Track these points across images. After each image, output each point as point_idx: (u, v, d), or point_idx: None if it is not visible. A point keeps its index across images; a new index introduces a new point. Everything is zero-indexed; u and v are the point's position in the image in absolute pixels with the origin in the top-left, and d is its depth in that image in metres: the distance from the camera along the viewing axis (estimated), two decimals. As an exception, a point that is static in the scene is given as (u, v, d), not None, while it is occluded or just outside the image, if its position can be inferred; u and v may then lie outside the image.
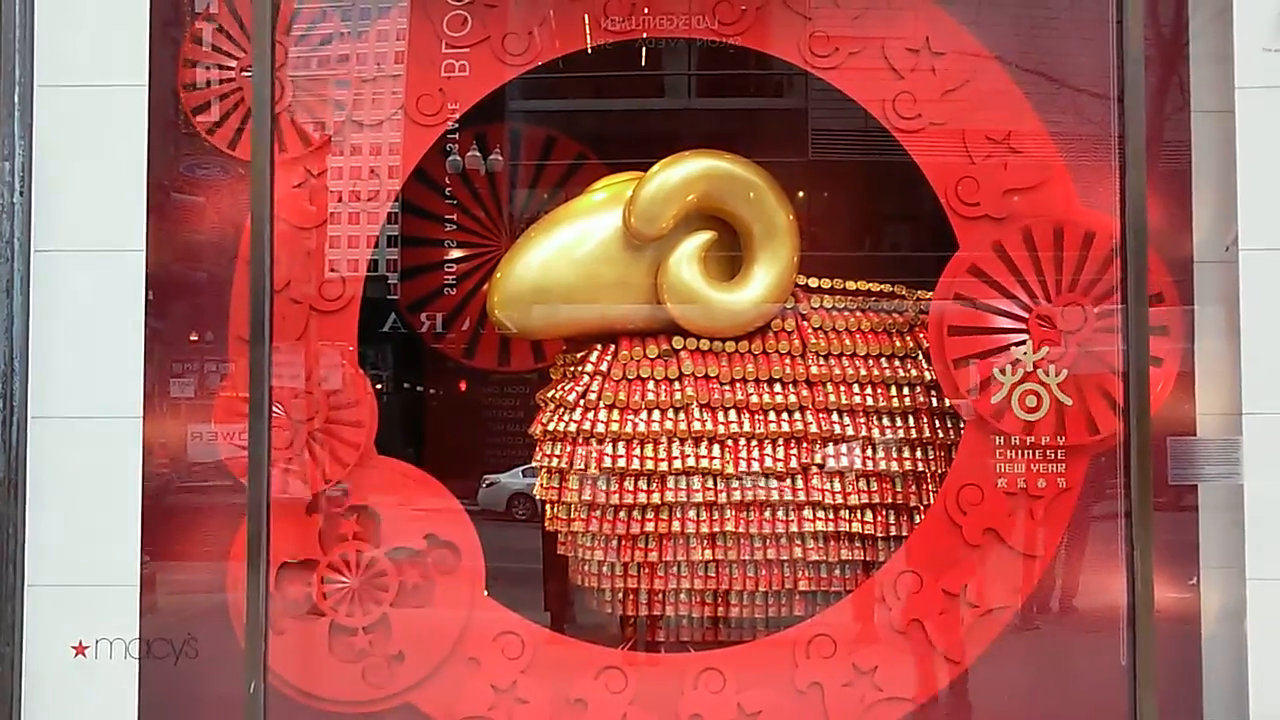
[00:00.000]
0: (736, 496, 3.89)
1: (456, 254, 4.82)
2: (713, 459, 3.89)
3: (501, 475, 4.83)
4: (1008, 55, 3.91)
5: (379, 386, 5.01)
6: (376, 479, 3.88)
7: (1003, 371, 3.83)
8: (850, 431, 3.95)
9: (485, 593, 3.91)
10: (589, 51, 4.20)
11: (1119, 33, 3.70)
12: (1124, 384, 3.69)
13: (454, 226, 4.86)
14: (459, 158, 4.79)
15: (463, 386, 5.09)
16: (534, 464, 4.04)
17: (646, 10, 3.99)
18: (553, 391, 4.03)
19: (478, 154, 4.85)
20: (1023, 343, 3.85)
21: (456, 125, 4.58)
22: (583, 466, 3.88)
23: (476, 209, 4.89)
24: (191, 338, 3.84)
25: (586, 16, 3.99)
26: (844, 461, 3.94)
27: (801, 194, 4.01)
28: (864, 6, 3.94)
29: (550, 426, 3.94)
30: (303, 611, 3.83)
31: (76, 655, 3.56)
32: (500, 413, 4.97)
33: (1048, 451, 3.82)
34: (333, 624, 3.83)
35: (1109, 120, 3.81)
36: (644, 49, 4.40)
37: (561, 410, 3.95)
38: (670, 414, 3.91)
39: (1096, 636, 3.79)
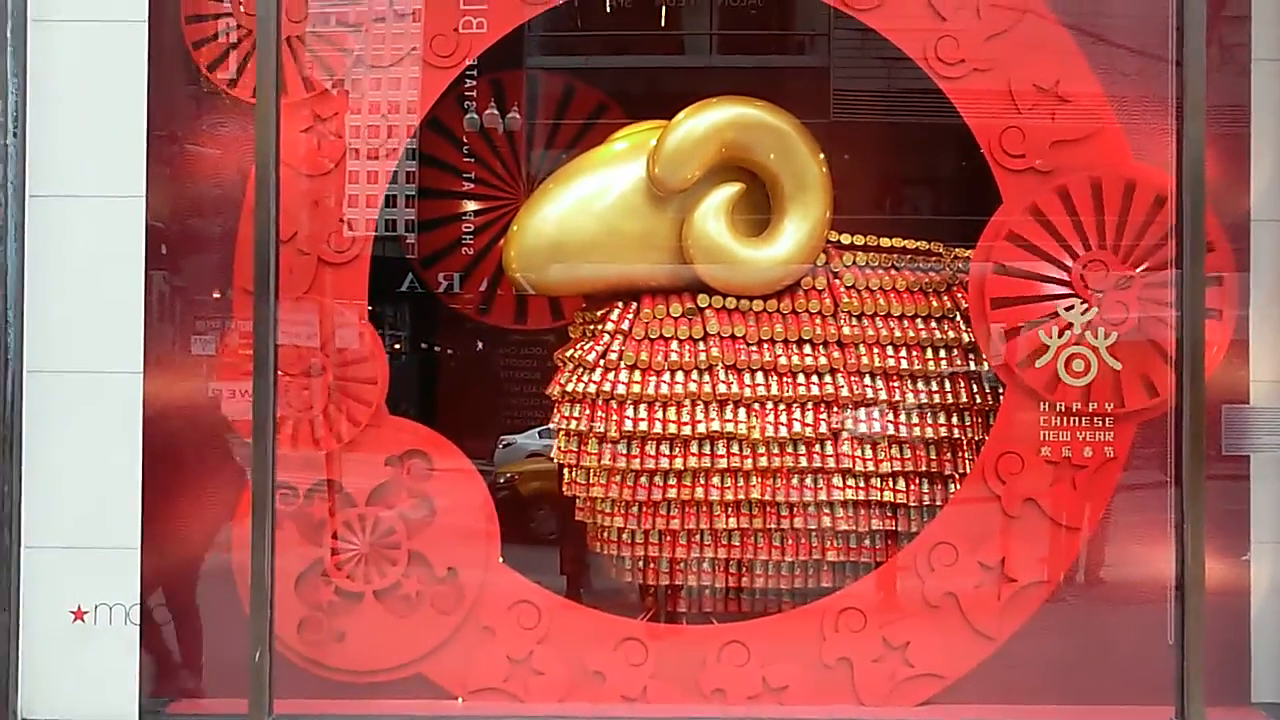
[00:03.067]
0: (763, 463, 3.75)
1: (473, 207, 4.66)
2: (738, 423, 3.74)
3: (518, 436, 4.71)
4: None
5: (396, 346, 4.92)
6: (388, 439, 3.75)
7: (1049, 334, 3.66)
8: (883, 395, 3.81)
9: (500, 559, 3.77)
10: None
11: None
12: (1177, 348, 3.53)
13: (470, 180, 4.72)
14: (476, 115, 4.64)
15: (479, 345, 4.96)
16: (551, 426, 3.88)
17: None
18: (571, 351, 3.88)
19: (495, 111, 4.68)
20: (1070, 304, 3.67)
21: (474, 75, 4.42)
22: (602, 430, 3.73)
23: (494, 161, 4.75)
24: (214, 295, 3.74)
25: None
26: (876, 427, 3.79)
27: (823, 155, 3.80)
28: (905, -55, 3.74)
29: (569, 387, 3.79)
30: (311, 576, 3.69)
31: (75, 620, 3.46)
32: (517, 372, 4.90)
33: (1094, 419, 3.67)
34: (340, 589, 3.70)
35: (1164, 68, 3.61)
36: (663, 6, 4.24)
37: (580, 370, 3.80)
38: (694, 375, 3.77)
39: (1140, 612, 3.67)
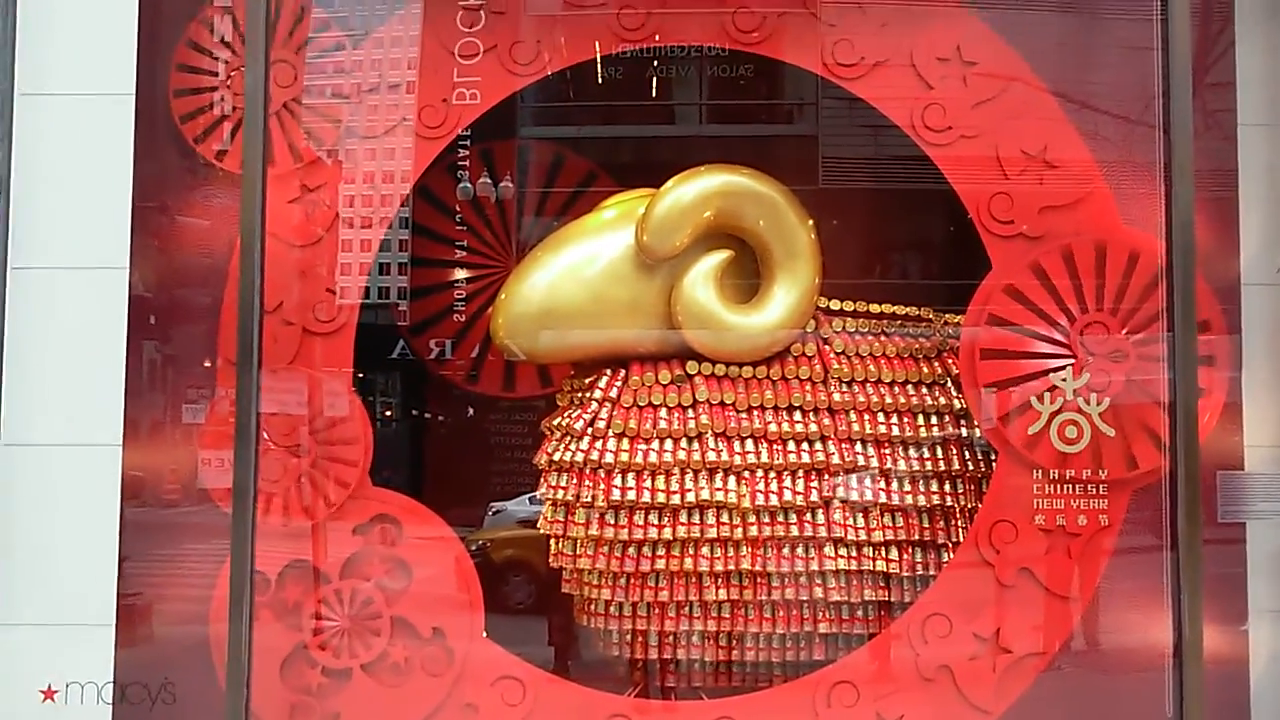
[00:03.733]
0: (753, 532, 3.69)
1: (461, 275, 4.65)
2: (728, 492, 3.69)
3: (508, 503, 4.65)
4: (1043, 66, 3.74)
5: (388, 413, 4.89)
6: (369, 510, 3.69)
7: (1040, 400, 3.63)
8: (874, 463, 3.76)
9: (484, 634, 3.69)
10: (599, 68, 4.06)
11: (1163, 59, 3.53)
12: (1170, 414, 3.50)
13: (461, 248, 4.72)
14: (470, 185, 4.65)
15: (467, 412, 4.92)
16: (538, 494, 3.83)
17: (661, 18, 3.82)
18: (559, 419, 3.84)
19: (488, 180, 4.70)
20: (1061, 369, 3.64)
21: (467, 146, 4.45)
22: (590, 499, 3.68)
23: (483, 228, 4.75)
24: (204, 365, 3.69)
25: (596, 31, 3.86)
26: (868, 495, 3.74)
27: (812, 222, 3.81)
28: (890, 13, 3.78)
29: (556, 456, 3.75)
30: (289, 651, 3.61)
31: (45, 700, 3.38)
32: (507, 439, 4.85)
33: (1088, 486, 3.62)
34: (328, 669, 3.62)
35: (1151, 134, 3.63)
36: (655, 77, 4.27)
37: (568, 439, 3.75)
38: (683, 444, 3.72)
39: (1138, 683, 3.60)
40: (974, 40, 3.74)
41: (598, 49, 3.89)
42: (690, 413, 3.74)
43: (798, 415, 3.77)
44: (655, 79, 4.58)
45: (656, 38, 3.86)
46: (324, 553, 3.67)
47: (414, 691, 3.61)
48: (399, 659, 3.63)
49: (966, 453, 3.80)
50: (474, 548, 4.57)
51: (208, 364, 3.68)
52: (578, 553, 3.74)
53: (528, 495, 4.39)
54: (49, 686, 3.38)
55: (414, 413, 5.12)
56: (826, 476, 3.73)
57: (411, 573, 3.70)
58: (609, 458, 3.69)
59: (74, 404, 3.47)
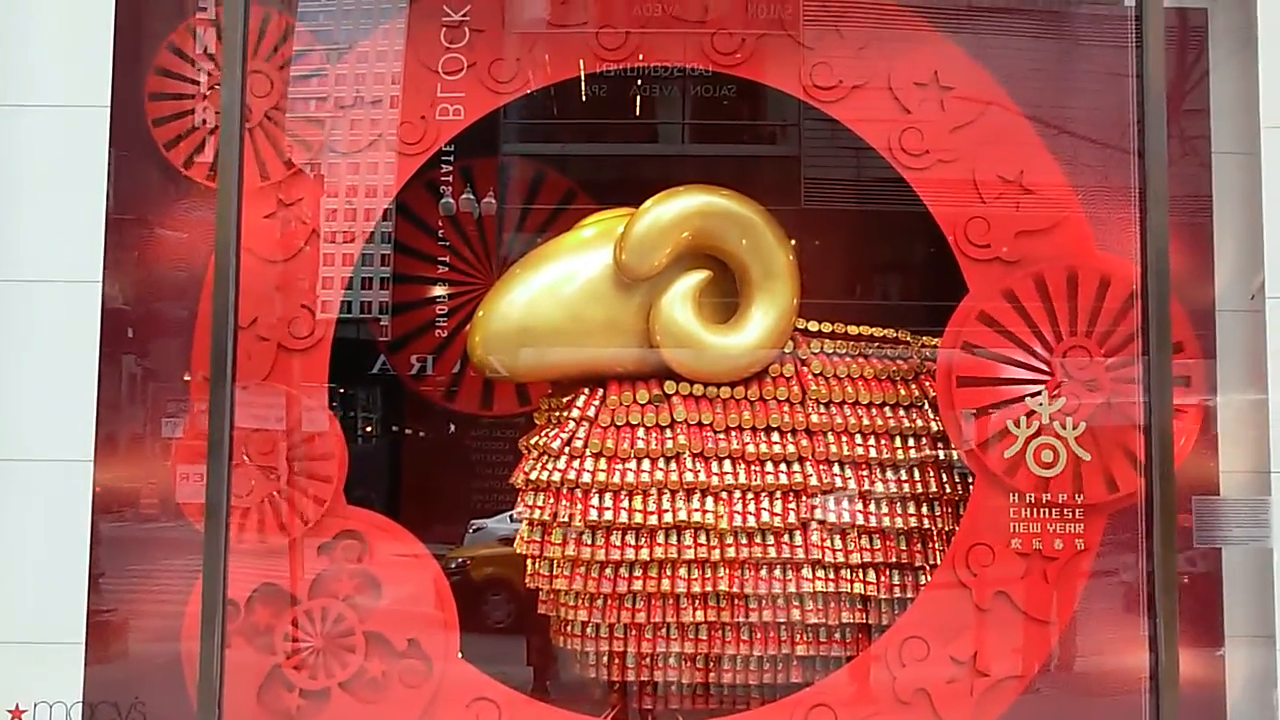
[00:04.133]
0: (731, 553, 3.68)
1: (440, 291, 4.62)
2: (706, 513, 3.67)
3: (489, 521, 4.61)
4: (1020, 91, 3.76)
5: (368, 429, 4.85)
6: (344, 530, 3.66)
7: (1017, 424, 3.64)
8: (852, 485, 3.75)
9: (459, 655, 3.66)
10: (582, 86, 4.06)
11: (1138, 86, 3.56)
12: (1145, 439, 3.50)
13: (443, 264, 4.70)
14: (451, 200, 4.64)
15: (447, 429, 4.89)
16: (514, 514, 3.81)
17: (641, 38, 3.83)
18: (536, 438, 3.82)
19: (471, 197, 4.68)
20: (1038, 393, 3.64)
21: (450, 162, 4.44)
22: (566, 519, 3.66)
23: (461, 245, 4.73)
24: (184, 379, 3.66)
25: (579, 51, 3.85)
26: (845, 517, 3.73)
27: (794, 242, 3.82)
28: (869, 38, 3.80)
29: (533, 475, 3.73)
30: (265, 672, 3.57)
31: (12, 720, 3.33)
32: (486, 456, 4.81)
33: (1064, 510, 3.63)
34: (294, 687, 3.58)
35: (1127, 159, 3.65)
36: (638, 96, 4.27)
37: (545, 458, 3.73)
38: (661, 464, 3.71)
39: (1114, 707, 3.59)
40: (951, 65, 3.76)
41: (581, 67, 3.89)
42: (668, 432, 3.73)
43: (775, 436, 3.76)
44: (639, 98, 4.58)
45: (640, 57, 3.86)
46: (300, 572, 3.64)
47: (391, 708, 3.57)
48: (376, 674, 3.60)
49: (944, 475, 3.80)
50: (453, 565, 4.54)
51: (187, 378, 3.64)
52: (554, 573, 3.71)
53: (508, 513, 4.36)
54: (17, 706, 3.32)
55: (391, 429, 5.09)
56: (804, 498, 3.72)
57: (386, 592, 3.67)
58: (586, 477, 3.67)
59: (46, 419, 3.42)
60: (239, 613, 3.57)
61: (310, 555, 3.63)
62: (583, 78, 3.97)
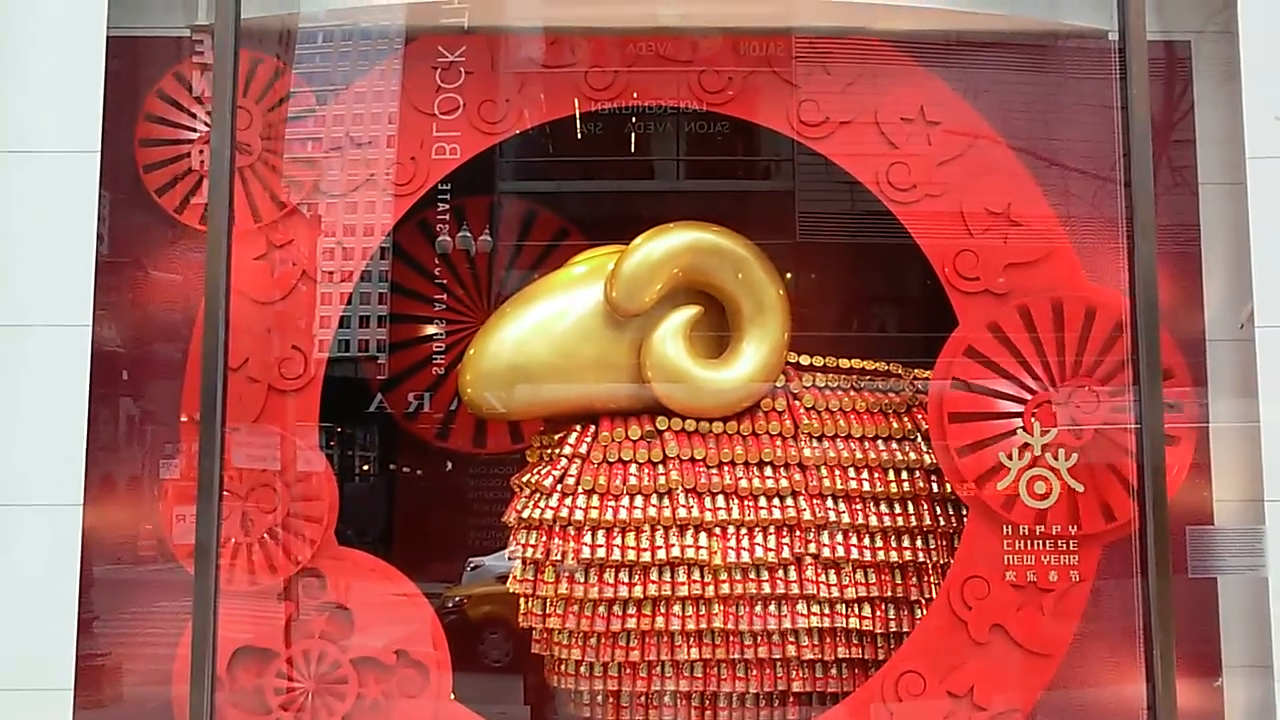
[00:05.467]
0: (725, 589, 3.66)
1: (434, 330, 4.63)
2: (699, 549, 3.66)
3: (486, 559, 4.60)
4: (1006, 124, 3.79)
5: (365, 467, 4.84)
6: (334, 571, 3.65)
7: (1009, 456, 3.63)
8: (846, 519, 3.74)
9: (452, 696, 3.63)
10: (577, 124, 4.09)
11: (1124, 118, 3.59)
12: (1138, 469, 3.49)
13: (437, 303, 4.71)
14: (448, 239, 4.65)
15: (448, 467, 4.88)
16: (507, 553, 3.79)
17: (629, 78, 3.85)
18: (528, 476, 3.82)
19: (467, 234, 4.70)
20: (1030, 427, 3.64)
21: (446, 200, 4.46)
22: (559, 557, 3.64)
23: (454, 284, 4.74)
24: (182, 419, 3.64)
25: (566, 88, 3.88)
26: (840, 551, 3.71)
27: (789, 275, 3.82)
28: (855, 75, 3.83)
29: (525, 514, 3.72)
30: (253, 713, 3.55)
31: (0, 768, 3.29)
32: (481, 494, 4.80)
33: (1058, 541, 3.61)
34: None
35: (1114, 190, 3.67)
36: (633, 133, 4.31)
37: (537, 496, 3.73)
38: (654, 500, 3.70)
39: (1113, 741, 3.53)
40: (937, 100, 3.79)
41: (576, 106, 3.92)
42: (660, 468, 3.73)
43: (768, 470, 3.76)
44: (633, 135, 4.61)
45: (634, 95, 3.89)
46: (292, 611, 3.62)
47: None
48: (375, 697, 3.57)
49: (938, 508, 3.79)
50: (450, 604, 4.52)
51: (184, 419, 3.64)
52: (547, 612, 3.69)
53: (505, 551, 4.35)
54: (4, 754, 3.30)
55: (384, 468, 5.08)
56: (798, 532, 3.70)
57: (378, 633, 3.65)
58: (579, 514, 3.66)
59: (36, 463, 3.40)
60: (222, 685, 3.52)
61: (299, 595, 3.61)
62: (578, 116, 4.00)
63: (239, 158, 3.61)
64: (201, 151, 3.71)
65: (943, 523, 3.78)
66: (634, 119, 4.46)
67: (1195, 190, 3.75)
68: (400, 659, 3.62)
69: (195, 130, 3.75)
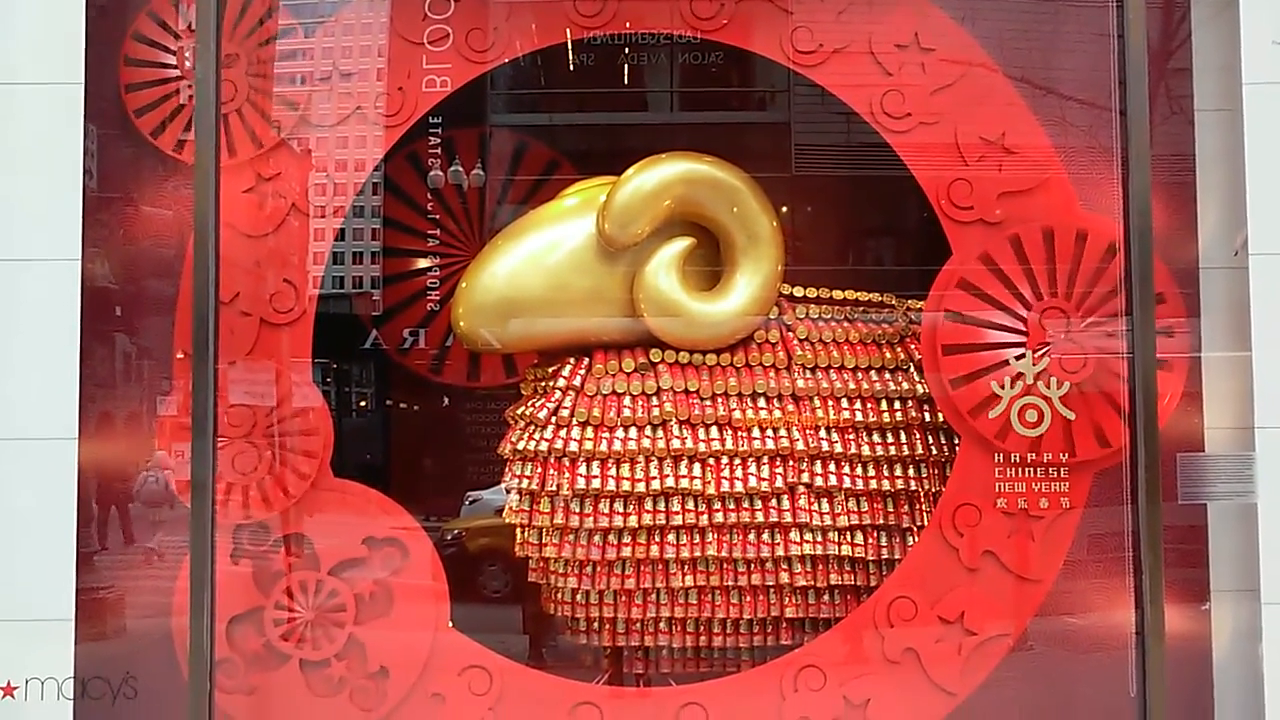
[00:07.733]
0: (719, 519, 3.69)
1: (423, 264, 4.61)
2: (693, 479, 3.68)
3: (484, 492, 4.63)
4: (1001, 52, 3.74)
5: (362, 403, 4.85)
6: (329, 501, 3.67)
7: (1001, 385, 3.64)
8: (839, 448, 3.75)
9: (450, 623, 3.68)
10: (569, 52, 4.03)
11: (1120, 45, 3.56)
12: (1129, 396, 3.51)
13: (430, 237, 4.69)
14: (440, 173, 4.61)
15: (445, 401, 4.89)
16: (503, 485, 3.82)
17: (619, 4, 3.80)
18: (523, 408, 3.83)
19: (459, 168, 4.66)
20: (1021, 356, 3.65)
21: (436, 131, 4.42)
22: (554, 488, 3.66)
23: (446, 218, 4.71)
24: (178, 356, 3.64)
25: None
26: (832, 480, 3.73)
27: (785, 209, 3.79)
28: (849, 1, 3.76)
29: (520, 446, 3.73)
30: (254, 650, 3.60)
31: (4, 696, 3.34)
32: (478, 428, 4.80)
33: (1049, 469, 3.64)
34: (287, 658, 3.60)
35: (1110, 119, 3.64)
36: (626, 65, 4.25)
37: (532, 428, 3.74)
38: (648, 431, 3.71)
39: (1102, 665, 3.63)
40: (932, 27, 3.73)
41: (569, 35, 3.86)
42: (654, 400, 3.74)
43: (762, 401, 3.76)
44: (626, 66, 4.55)
45: (627, 25, 3.83)
46: (287, 548, 3.65)
47: (368, 689, 3.59)
48: (356, 657, 3.61)
49: (930, 437, 3.80)
50: (449, 537, 4.56)
51: (180, 355, 3.63)
52: (543, 541, 3.73)
53: (503, 485, 4.38)
54: (8, 683, 3.33)
55: (378, 403, 5.09)
56: (791, 462, 3.72)
57: (375, 565, 3.68)
58: (573, 446, 3.67)
59: (29, 397, 3.42)
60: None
61: (303, 529, 3.64)
62: (569, 44, 3.95)
63: (225, 89, 3.57)
64: (188, 86, 3.67)
65: (934, 452, 3.80)
66: (626, 50, 4.40)
67: (1192, 119, 3.72)
68: (398, 590, 3.65)
69: (185, 62, 3.70)
